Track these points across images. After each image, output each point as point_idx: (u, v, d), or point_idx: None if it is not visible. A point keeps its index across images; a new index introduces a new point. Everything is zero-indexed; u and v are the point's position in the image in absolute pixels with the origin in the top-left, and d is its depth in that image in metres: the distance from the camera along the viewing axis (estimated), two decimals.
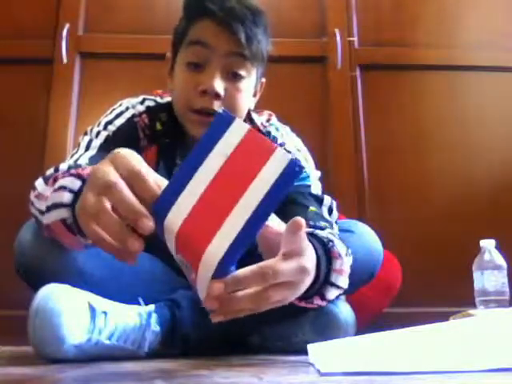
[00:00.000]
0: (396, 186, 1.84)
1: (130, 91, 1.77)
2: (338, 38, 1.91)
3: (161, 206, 0.53)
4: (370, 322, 1.33)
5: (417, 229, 1.80)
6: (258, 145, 0.50)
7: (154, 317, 0.89)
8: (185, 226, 0.51)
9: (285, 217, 0.88)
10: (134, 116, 1.00)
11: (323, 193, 0.99)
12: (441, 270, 1.75)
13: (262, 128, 1.04)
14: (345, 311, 1.02)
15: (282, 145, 1.02)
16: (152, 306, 0.91)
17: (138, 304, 0.89)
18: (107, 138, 0.95)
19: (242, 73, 0.96)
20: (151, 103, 1.04)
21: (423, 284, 1.72)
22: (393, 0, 2.00)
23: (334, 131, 1.86)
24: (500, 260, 1.39)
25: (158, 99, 1.06)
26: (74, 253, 0.87)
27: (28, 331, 0.79)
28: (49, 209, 0.67)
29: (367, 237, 1.00)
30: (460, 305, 1.37)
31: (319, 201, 0.94)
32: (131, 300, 0.89)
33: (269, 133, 1.04)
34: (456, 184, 1.85)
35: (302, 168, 0.49)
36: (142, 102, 1.03)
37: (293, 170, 0.48)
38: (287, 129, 1.10)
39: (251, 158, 0.50)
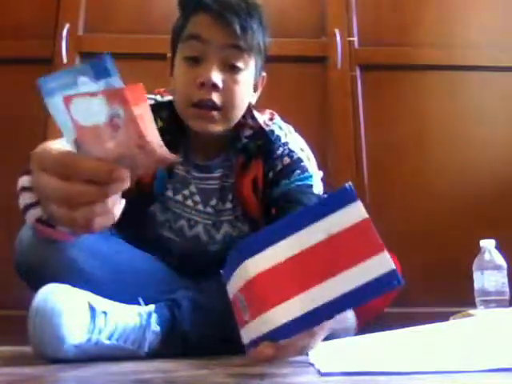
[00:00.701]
0: (396, 186, 1.84)
1: None
2: (338, 38, 1.91)
3: (247, 246, 0.53)
4: (369, 321, 1.33)
5: (417, 229, 1.80)
6: (369, 236, 0.51)
7: (154, 317, 0.89)
8: (264, 275, 0.51)
9: (286, 213, 0.90)
10: None
11: (324, 193, 1.00)
12: (441, 270, 1.75)
13: (264, 126, 1.04)
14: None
15: (285, 144, 1.03)
16: (152, 306, 0.91)
17: (138, 304, 0.89)
18: None
19: (240, 65, 0.96)
20: (151, 102, 1.04)
21: (423, 284, 1.72)
22: (393, 0, 2.00)
23: (334, 131, 1.86)
24: (500, 260, 1.39)
25: (158, 98, 1.06)
26: (74, 253, 0.87)
27: (28, 331, 0.79)
28: (23, 213, 0.68)
29: None
30: (460, 305, 1.37)
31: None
32: (131, 300, 0.90)
33: (272, 132, 1.04)
34: (456, 183, 1.85)
35: (400, 282, 0.49)
36: None
37: (391, 279, 0.48)
38: (290, 128, 1.10)
39: (356, 247, 0.49)
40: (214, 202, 1.05)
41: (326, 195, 0.57)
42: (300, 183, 0.97)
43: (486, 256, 1.39)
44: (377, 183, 1.84)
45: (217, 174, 1.04)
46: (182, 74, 0.97)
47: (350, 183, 0.52)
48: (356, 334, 0.99)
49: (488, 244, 1.40)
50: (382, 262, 0.48)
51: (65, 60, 1.84)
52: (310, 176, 1.00)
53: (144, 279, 0.96)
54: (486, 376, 0.56)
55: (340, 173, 1.82)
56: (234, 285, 0.55)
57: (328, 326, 0.56)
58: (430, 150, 1.88)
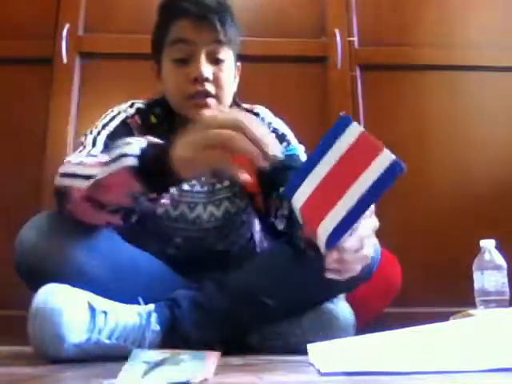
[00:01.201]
0: (396, 186, 1.83)
1: (130, 91, 1.77)
2: (338, 38, 1.91)
3: (290, 187, 0.68)
4: (369, 321, 1.33)
5: (417, 229, 1.80)
6: (369, 144, 0.60)
7: (154, 316, 0.90)
8: (306, 204, 0.65)
9: (279, 177, 0.97)
10: (126, 118, 1.08)
11: None
12: (441, 270, 1.75)
13: (250, 108, 1.16)
14: (344, 311, 1.02)
15: (270, 123, 1.14)
16: (152, 306, 0.92)
17: (138, 304, 0.89)
18: (108, 136, 1.01)
19: (222, 57, 1.07)
20: (140, 105, 1.11)
21: (423, 284, 1.72)
22: (393, 0, 2.00)
23: None
24: (500, 260, 1.38)
25: (144, 102, 1.13)
26: (74, 253, 0.87)
27: (28, 331, 0.79)
28: (112, 161, 0.74)
29: None
30: (460, 305, 1.37)
31: None
32: (131, 300, 0.90)
33: (257, 114, 1.15)
34: (456, 184, 1.85)
35: (403, 168, 0.57)
36: (131, 106, 1.11)
37: (395, 168, 0.57)
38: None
39: (362, 155, 0.59)
40: (211, 180, 1.11)
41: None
42: (288, 153, 1.07)
43: (486, 256, 1.39)
44: None
45: None
46: (173, 74, 1.06)
47: (343, 112, 0.64)
48: (356, 334, 0.99)
49: (488, 244, 1.40)
50: (384, 157, 0.57)
51: (65, 60, 1.84)
52: (295, 148, 1.11)
53: (144, 279, 0.96)
54: (486, 376, 0.56)
55: None
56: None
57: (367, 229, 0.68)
58: (430, 149, 1.88)
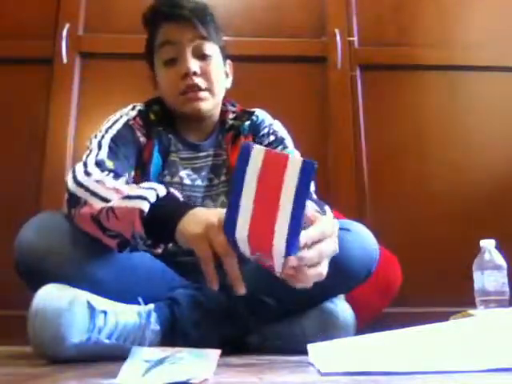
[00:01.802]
0: (396, 186, 1.84)
1: (130, 91, 1.77)
2: (338, 38, 1.91)
3: (228, 226, 0.69)
4: (369, 321, 1.33)
5: (417, 229, 1.80)
6: (277, 158, 0.65)
7: (154, 316, 0.90)
8: (251, 232, 0.66)
9: None
10: (128, 121, 1.11)
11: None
12: (441, 270, 1.75)
13: (247, 111, 1.20)
14: (344, 311, 1.02)
15: (270, 125, 1.18)
16: (152, 305, 0.92)
17: (138, 303, 0.89)
18: (112, 139, 1.04)
19: (208, 52, 1.13)
20: (141, 107, 1.16)
21: (423, 284, 1.72)
22: (393, 0, 2.00)
23: (334, 131, 1.86)
24: (500, 260, 1.38)
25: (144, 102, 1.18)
26: (74, 253, 0.87)
27: (28, 331, 0.79)
28: (128, 198, 0.82)
29: (363, 235, 1.01)
30: (460, 305, 1.36)
31: None
32: (131, 299, 0.90)
33: (257, 116, 1.18)
34: (456, 184, 1.84)
35: (314, 164, 0.62)
36: (132, 109, 1.15)
37: (308, 167, 0.62)
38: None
39: (275, 169, 0.64)
40: (209, 176, 1.15)
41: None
42: None
43: (486, 256, 1.39)
44: (377, 183, 1.84)
45: (209, 152, 1.16)
46: (165, 75, 1.13)
47: (244, 141, 0.71)
48: (356, 334, 0.99)
49: (488, 244, 1.40)
50: (295, 163, 0.62)
51: (65, 60, 1.84)
52: (292, 153, 1.14)
53: (144, 279, 0.96)
54: (486, 376, 0.56)
55: (340, 172, 1.82)
56: (247, 252, 0.69)
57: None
58: (430, 149, 1.88)
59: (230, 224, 0.68)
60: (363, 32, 1.96)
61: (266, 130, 1.17)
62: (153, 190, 0.82)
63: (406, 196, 1.83)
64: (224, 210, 0.71)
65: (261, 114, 1.20)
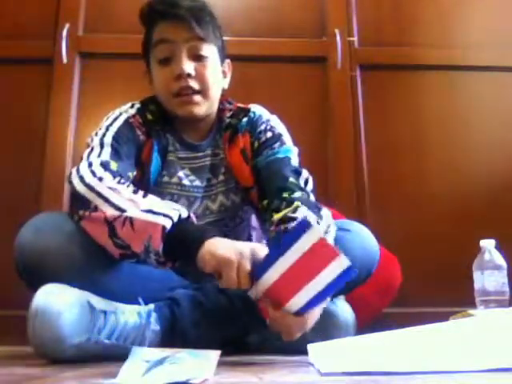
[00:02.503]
0: (396, 186, 1.84)
1: (130, 91, 1.76)
2: (338, 38, 1.91)
3: (260, 268, 0.76)
4: (369, 321, 1.33)
5: (417, 229, 1.80)
6: (326, 250, 0.72)
7: (154, 316, 0.90)
8: (275, 285, 0.75)
9: (269, 183, 1.05)
10: (128, 118, 1.10)
11: (300, 167, 1.10)
12: (441, 270, 1.75)
13: (244, 107, 1.18)
14: (345, 311, 1.02)
15: (268, 120, 1.16)
16: (151, 306, 0.92)
17: (138, 304, 0.89)
18: (113, 137, 1.04)
19: (204, 53, 1.10)
20: (139, 105, 1.14)
21: (423, 284, 1.72)
22: (393, 0, 2.00)
23: (334, 131, 1.86)
24: (500, 260, 1.38)
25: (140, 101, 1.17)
26: (73, 253, 0.87)
27: (28, 331, 0.79)
28: (154, 213, 0.84)
29: (363, 235, 1.01)
30: (460, 305, 1.36)
31: (298, 173, 1.07)
32: (131, 299, 0.90)
33: (254, 112, 1.17)
34: (456, 184, 1.84)
35: (355, 272, 0.73)
36: (131, 107, 1.14)
37: (350, 272, 0.71)
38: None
39: (321, 255, 0.71)
40: (207, 176, 1.14)
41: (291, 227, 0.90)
42: (280, 156, 1.09)
43: (486, 256, 1.39)
44: (376, 182, 1.84)
45: (207, 152, 1.15)
46: (159, 75, 1.11)
47: (304, 218, 0.78)
48: (356, 334, 0.99)
49: (488, 244, 1.40)
50: (340, 263, 0.71)
51: (65, 60, 1.84)
52: (289, 150, 1.12)
53: (144, 279, 0.96)
54: (486, 376, 0.56)
55: (340, 172, 1.82)
56: (257, 294, 0.78)
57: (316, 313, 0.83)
58: (430, 149, 1.88)
59: (261, 268, 0.76)
60: (363, 32, 1.96)
61: (263, 127, 1.15)
62: (177, 211, 0.84)
63: (405, 196, 1.83)
64: (249, 244, 0.82)
65: (257, 110, 1.18)
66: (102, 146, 1.01)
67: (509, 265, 1.39)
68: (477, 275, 1.39)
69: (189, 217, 0.86)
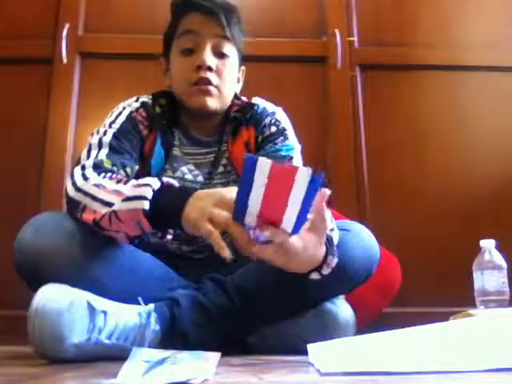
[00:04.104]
0: (396, 186, 1.84)
1: (130, 91, 1.76)
2: (338, 38, 1.91)
3: (238, 213, 0.76)
4: (369, 321, 1.33)
5: (417, 229, 1.80)
6: (284, 172, 0.70)
7: (154, 316, 0.90)
8: (262, 209, 0.73)
9: None
10: (131, 113, 1.11)
11: (304, 165, 1.08)
12: (441, 270, 1.75)
13: (247, 101, 1.19)
14: (345, 311, 1.02)
15: (273, 113, 1.17)
16: (151, 305, 0.92)
17: (138, 303, 0.89)
18: (114, 135, 1.04)
19: (226, 52, 1.13)
20: (145, 99, 1.15)
21: (423, 284, 1.72)
22: (393, 0, 2.00)
23: (334, 131, 1.86)
24: (500, 260, 1.38)
25: (150, 96, 1.17)
26: (73, 253, 0.87)
27: (28, 331, 0.79)
28: (128, 199, 0.84)
29: (363, 235, 1.01)
30: (460, 305, 1.37)
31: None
32: (131, 299, 0.90)
33: (258, 106, 1.18)
34: (456, 184, 1.85)
35: (321, 175, 0.68)
36: (136, 100, 1.15)
37: (317, 179, 0.69)
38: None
39: (283, 182, 0.70)
40: (210, 169, 1.15)
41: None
42: (283, 154, 1.10)
43: (486, 256, 1.39)
44: (376, 183, 1.84)
45: (213, 148, 1.16)
46: (180, 64, 1.13)
47: (247, 154, 0.73)
48: (356, 334, 0.99)
49: (488, 244, 1.40)
50: (304, 173, 0.69)
51: (65, 60, 1.84)
52: (292, 148, 1.13)
53: (144, 278, 0.96)
54: (486, 376, 0.56)
55: (339, 172, 1.82)
56: (252, 223, 0.76)
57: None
58: (430, 149, 1.88)
59: (238, 212, 0.75)
60: (363, 32, 1.96)
61: (267, 120, 1.16)
62: (148, 187, 0.84)
63: (405, 196, 1.83)
64: (216, 191, 0.81)
65: (261, 103, 1.19)
66: (100, 146, 1.02)
67: (509, 265, 1.39)
68: (477, 275, 1.39)
69: (163, 183, 0.86)
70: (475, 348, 0.64)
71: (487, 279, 1.36)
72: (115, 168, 0.98)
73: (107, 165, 0.97)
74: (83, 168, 0.95)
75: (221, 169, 1.14)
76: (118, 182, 0.89)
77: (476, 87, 1.93)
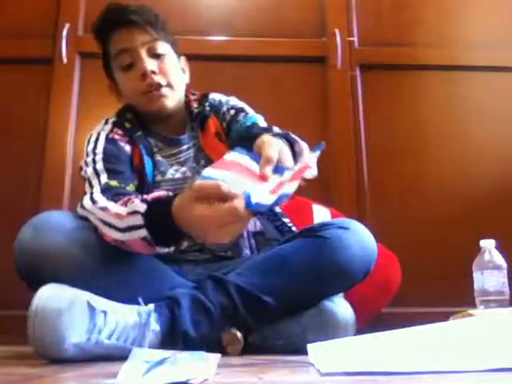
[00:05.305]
0: (396, 186, 1.84)
1: None
2: (338, 38, 1.91)
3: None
4: (369, 321, 1.33)
5: (417, 229, 1.80)
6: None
7: (154, 316, 0.90)
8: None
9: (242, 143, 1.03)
10: (107, 135, 1.14)
11: (270, 126, 1.13)
12: (441, 270, 1.75)
13: (202, 94, 1.26)
14: (344, 310, 1.02)
15: (227, 101, 1.24)
16: (151, 305, 0.92)
17: (138, 303, 0.89)
18: (104, 160, 1.07)
19: (161, 51, 1.17)
20: (113, 119, 1.19)
21: (423, 284, 1.72)
22: (393, 0, 2.00)
23: (334, 131, 1.86)
24: (500, 260, 1.38)
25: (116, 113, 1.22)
26: (73, 253, 0.87)
27: (28, 331, 0.79)
28: (127, 230, 0.86)
29: (361, 233, 1.01)
30: (460, 305, 1.36)
31: (269, 129, 1.08)
32: (131, 299, 0.90)
33: (212, 98, 1.24)
34: (456, 184, 1.84)
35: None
36: (106, 122, 1.18)
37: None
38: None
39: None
40: (193, 165, 1.18)
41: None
42: (248, 124, 1.15)
43: (486, 256, 1.39)
44: (377, 182, 1.84)
45: (189, 144, 1.20)
46: (126, 80, 1.17)
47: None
48: (356, 334, 0.99)
49: (488, 244, 1.40)
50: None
51: (65, 60, 1.84)
52: (254, 117, 1.18)
53: (144, 278, 0.96)
54: (486, 376, 0.56)
55: (339, 172, 1.82)
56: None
57: None
58: (430, 149, 1.88)
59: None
60: (363, 32, 1.96)
61: (225, 108, 1.22)
62: (137, 214, 0.85)
63: (405, 196, 1.83)
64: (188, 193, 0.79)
65: (215, 96, 1.26)
66: (97, 174, 1.04)
67: (509, 265, 1.39)
68: (477, 275, 1.39)
69: (148, 202, 0.86)
70: (475, 348, 0.64)
71: (487, 279, 1.36)
72: (123, 184, 1.01)
73: (113, 184, 1.00)
74: (91, 193, 0.97)
75: (202, 162, 1.17)
76: (122, 204, 0.90)
77: (476, 87, 1.93)
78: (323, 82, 1.90)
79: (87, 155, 1.10)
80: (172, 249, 0.89)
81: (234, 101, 1.25)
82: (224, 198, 0.73)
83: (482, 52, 1.94)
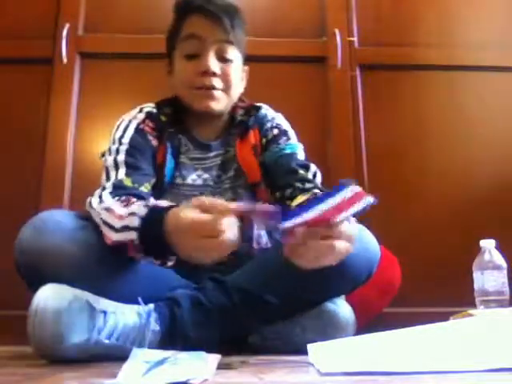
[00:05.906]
0: (396, 186, 1.84)
1: (130, 91, 1.77)
2: (338, 38, 1.90)
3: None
4: (369, 321, 1.33)
5: (417, 229, 1.80)
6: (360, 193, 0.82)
7: (154, 316, 0.90)
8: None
9: (280, 177, 1.08)
10: (138, 125, 1.11)
11: (308, 161, 1.15)
12: (441, 270, 1.75)
13: (251, 104, 1.22)
14: (345, 310, 1.02)
15: (273, 119, 1.20)
16: (151, 306, 0.92)
17: (138, 303, 0.89)
18: (127, 152, 1.05)
19: (230, 57, 1.14)
20: (149, 109, 1.15)
21: (423, 284, 1.72)
22: (393, 0, 2.00)
23: (334, 131, 1.85)
24: (500, 260, 1.38)
25: (153, 104, 1.18)
26: (74, 252, 0.87)
27: (28, 331, 0.79)
28: (122, 229, 0.83)
29: (364, 235, 1.01)
30: (460, 305, 1.36)
31: (306, 166, 1.12)
32: (131, 299, 0.89)
33: (260, 108, 1.21)
34: (456, 184, 1.84)
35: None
36: (140, 111, 1.15)
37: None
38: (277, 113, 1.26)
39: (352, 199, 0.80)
40: (218, 173, 1.16)
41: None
42: (288, 151, 1.14)
43: (486, 256, 1.39)
44: (376, 183, 1.84)
45: (219, 151, 1.17)
46: (184, 68, 1.13)
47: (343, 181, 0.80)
48: (356, 334, 0.99)
49: (488, 244, 1.40)
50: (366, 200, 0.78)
51: (65, 60, 1.84)
52: (295, 146, 1.17)
53: (144, 278, 0.96)
54: (486, 376, 0.56)
55: (340, 172, 1.82)
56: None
57: None
58: (430, 149, 1.88)
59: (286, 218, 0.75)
60: (363, 32, 1.95)
61: (269, 125, 1.19)
62: (135, 216, 0.82)
63: (406, 196, 1.83)
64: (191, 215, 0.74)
65: (264, 108, 1.22)
66: (116, 167, 1.03)
67: (509, 265, 1.39)
68: (477, 275, 1.39)
69: (148, 215, 0.82)
70: (475, 348, 0.64)
71: (487, 279, 1.36)
72: (136, 185, 1.00)
73: (127, 183, 0.99)
74: (103, 189, 0.97)
75: (231, 173, 1.15)
76: (126, 205, 0.88)
77: (476, 87, 1.93)
78: (323, 82, 1.90)
79: (113, 142, 1.08)
80: (157, 262, 0.86)
81: (279, 119, 1.22)
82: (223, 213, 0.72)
83: (482, 52, 1.94)
